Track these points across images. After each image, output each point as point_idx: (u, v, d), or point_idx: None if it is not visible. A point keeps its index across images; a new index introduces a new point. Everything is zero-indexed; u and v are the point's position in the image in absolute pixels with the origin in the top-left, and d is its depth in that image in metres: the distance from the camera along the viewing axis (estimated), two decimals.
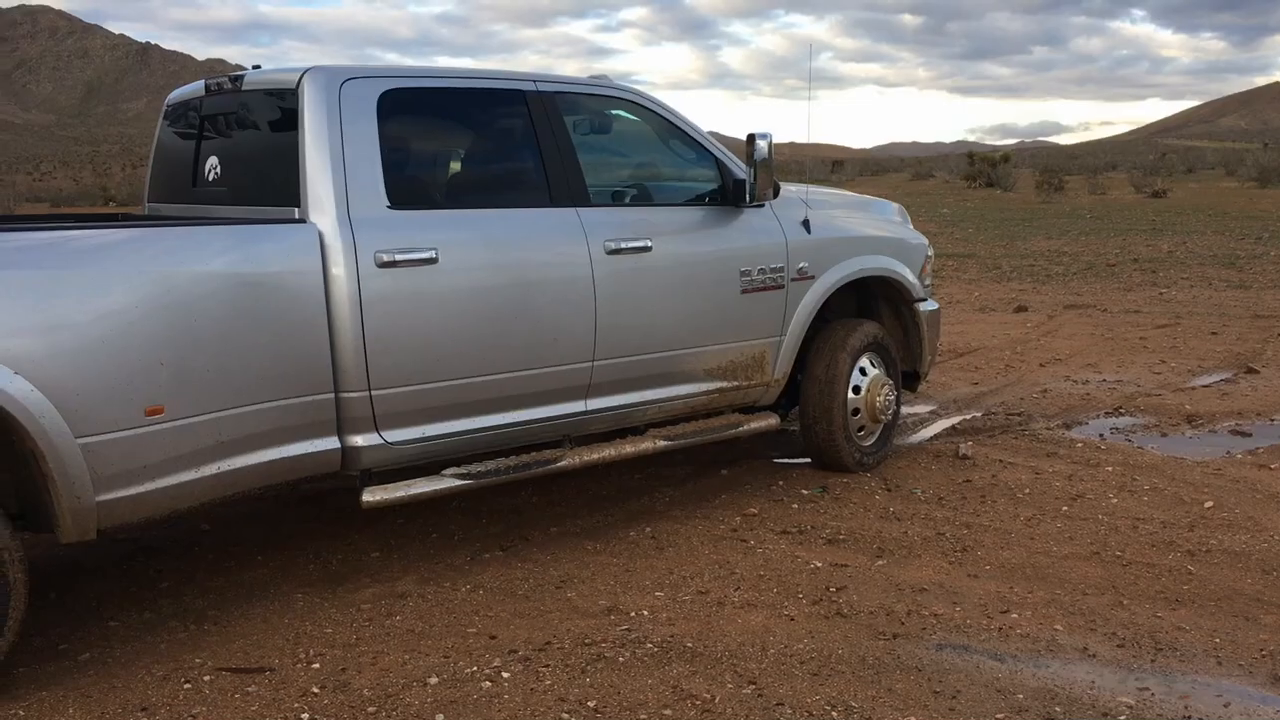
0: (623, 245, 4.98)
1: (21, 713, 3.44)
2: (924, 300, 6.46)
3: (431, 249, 4.40)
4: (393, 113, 4.47)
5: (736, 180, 5.47)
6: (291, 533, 5.17)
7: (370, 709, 3.47)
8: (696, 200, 5.57)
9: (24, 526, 3.72)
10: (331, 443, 4.29)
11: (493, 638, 4.00)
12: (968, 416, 7.40)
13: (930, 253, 6.63)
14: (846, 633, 4.03)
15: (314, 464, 4.30)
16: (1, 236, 3.78)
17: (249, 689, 3.60)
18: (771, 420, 5.80)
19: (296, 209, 4.28)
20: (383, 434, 4.36)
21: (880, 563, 4.76)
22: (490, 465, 4.72)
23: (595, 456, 5.05)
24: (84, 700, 3.53)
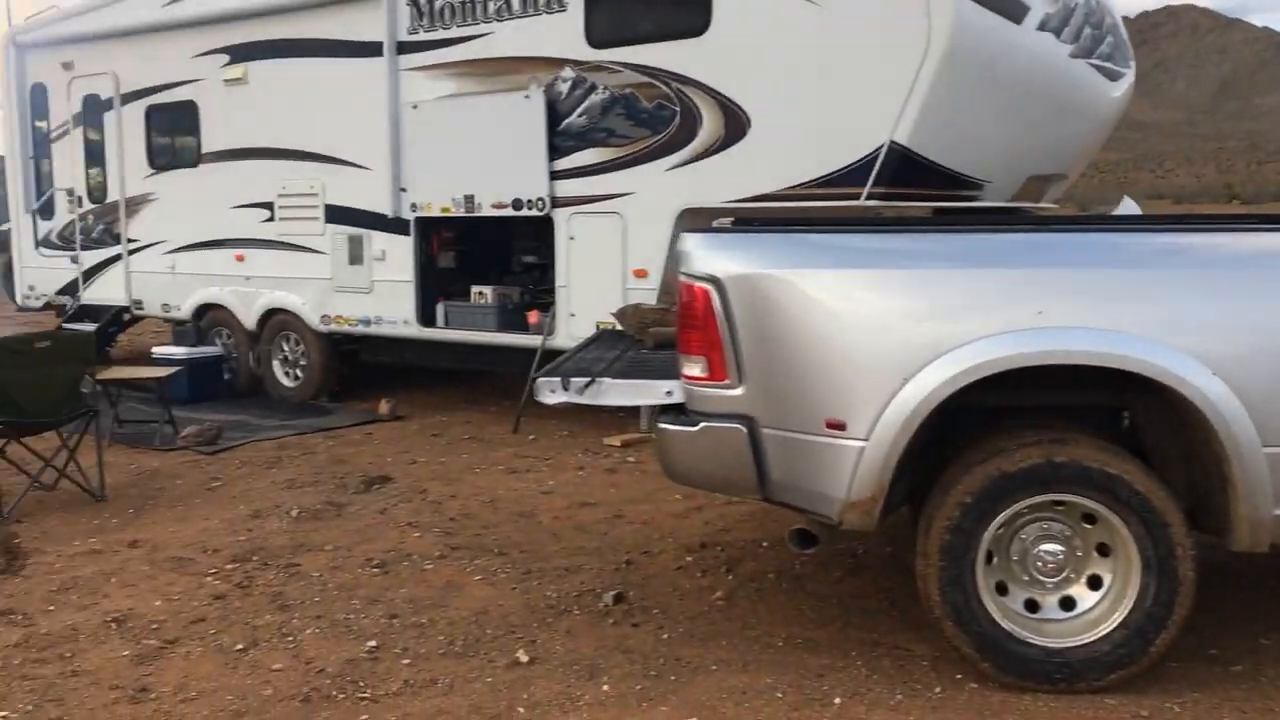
0: None
1: (1176, 709, 3.50)
2: None
3: None
4: None
5: None
6: None
7: None
8: None
9: (1190, 525, 3.76)
10: None
11: None
12: None
13: None
14: None
15: None
16: (1208, 238, 3.82)
17: None
18: None
19: None
20: None
21: None
22: None
23: None
24: (1238, 713, 3.47)
